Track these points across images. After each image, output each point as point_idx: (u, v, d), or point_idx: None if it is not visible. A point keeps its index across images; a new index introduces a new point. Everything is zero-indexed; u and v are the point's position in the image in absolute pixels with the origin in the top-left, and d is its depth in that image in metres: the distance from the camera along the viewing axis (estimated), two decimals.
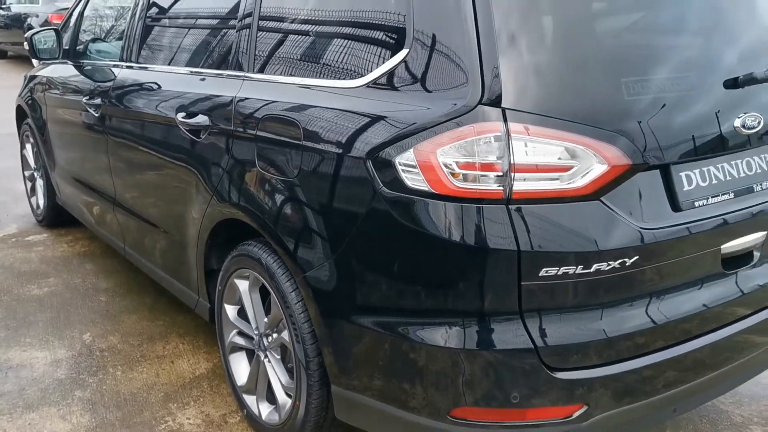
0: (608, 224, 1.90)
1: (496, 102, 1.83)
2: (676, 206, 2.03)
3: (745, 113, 2.12)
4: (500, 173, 1.83)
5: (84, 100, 3.72)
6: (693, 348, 2.10)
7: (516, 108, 1.83)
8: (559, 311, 1.92)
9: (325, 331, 2.19)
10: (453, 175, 1.86)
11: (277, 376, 2.55)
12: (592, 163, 1.87)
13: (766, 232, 2.24)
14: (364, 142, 2.02)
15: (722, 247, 2.12)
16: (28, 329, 3.56)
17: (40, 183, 4.98)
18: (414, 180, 1.90)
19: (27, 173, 5.24)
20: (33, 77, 4.77)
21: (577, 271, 1.87)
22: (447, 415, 1.97)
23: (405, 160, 1.91)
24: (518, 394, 1.91)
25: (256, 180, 2.41)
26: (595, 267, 1.89)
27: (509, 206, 1.84)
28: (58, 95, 4.27)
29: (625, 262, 1.92)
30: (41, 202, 5.00)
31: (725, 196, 2.13)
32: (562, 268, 1.86)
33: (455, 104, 1.87)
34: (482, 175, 1.84)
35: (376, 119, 2.03)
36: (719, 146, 2.12)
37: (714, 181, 2.12)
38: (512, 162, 1.82)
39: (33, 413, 2.86)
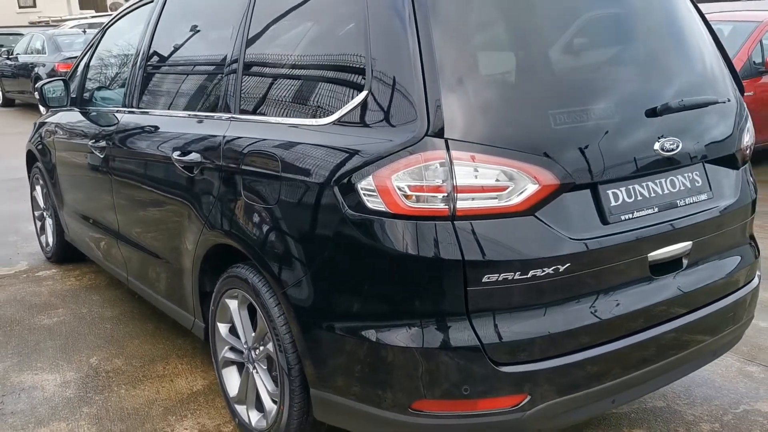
0: (542, 236, 2.21)
1: (440, 133, 2.14)
2: (604, 220, 2.33)
3: (663, 138, 2.44)
4: (445, 194, 2.13)
5: (90, 143, 4.06)
6: (627, 345, 2.38)
7: (458, 138, 2.15)
8: (502, 312, 2.21)
9: (302, 340, 2.48)
10: (406, 197, 2.16)
11: (264, 384, 2.83)
12: (526, 184, 2.18)
13: (691, 242, 2.53)
14: (332, 171, 2.33)
15: (649, 255, 2.42)
16: (39, 355, 3.85)
17: (49, 222, 5.30)
18: (373, 202, 2.21)
19: (37, 213, 5.58)
20: (42, 124, 5.13)
21: (515, 277, 2.17)
22: (408, 408, 2.25)
23: (365, 185, 2.22)
24: (469, 387, 2.19)
25: (242, 209, 2.72)
26: (531, 273, 2.18)
27: (454, 222, 2.15)
28: (66, 140, 4.62)
29: (559, 268, 2.22)
30: (50, 240, 5.32)
31: (650, 211, 2.43)
32: (502, 275, 2.16)
33: (407, 136, 2.18)
34: (430, 196, 2.15)
35: (341, 151, 2.35)
36: (642, 167, 2.42)
37: (639, 198, 2.42)
38: (455, 184, 2.13)
39: (44, 428, 3.14)
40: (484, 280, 2.15)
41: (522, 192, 2.18)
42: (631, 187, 2.41)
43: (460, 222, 2.15)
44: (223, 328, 3.05)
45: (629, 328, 2.39)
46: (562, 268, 2.22)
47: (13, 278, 5.11)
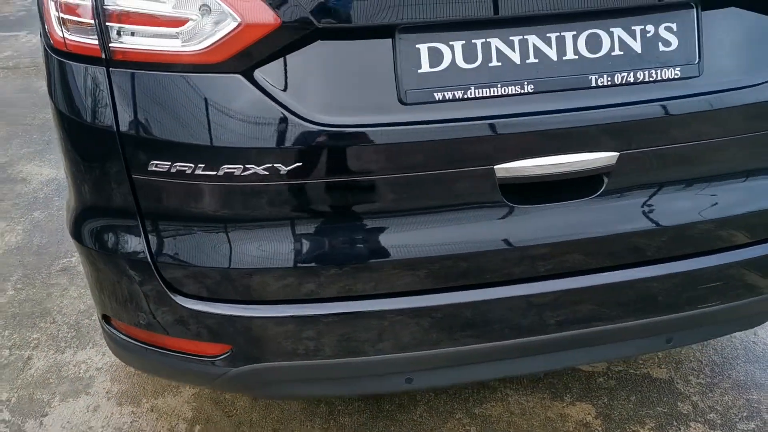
0: (253, 111, 1.31)
1: None
2: (401, 96, 1.32)
3: None
4: (90, 20, 1.32)
5: None
6: (434, 305, 1.45)
7: None
8: (187, 221, 1.41)
9: None
10: (62, 23, 1.39)
11: None
12: (223, 19, 1.27)
13: (617, 153, 1.40)
14: None
15: (497, 167, 1.36)
16: None
17: None
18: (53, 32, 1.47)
19: None
20: None
21: (197, 172, 1.34)
22: (107, 320, 1.64)
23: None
24: (144, 315, 1.50)
25: None
26: (224, 170, 1.33)
27: (110, 69, 1.34)
28: None
29: (279, 169, 1.32)
30: None
31: (514, 88, 1.34)
32: (175, 164, 1.34)
33: None
34: (77, 23, 1.35)
35: None
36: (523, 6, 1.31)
37: (495, 63, 1.33)
38: (103, 5, 1.30)
39: None
40: (151, 168, 1.36)
41: (214, 32, 1.28)
42: (479, 41, 1.33)
43: (118, 70, 1.34)
44: None
45: (445, 280, 1.44)
46: (284, 170, 1.32)
47: None
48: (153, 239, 1.42)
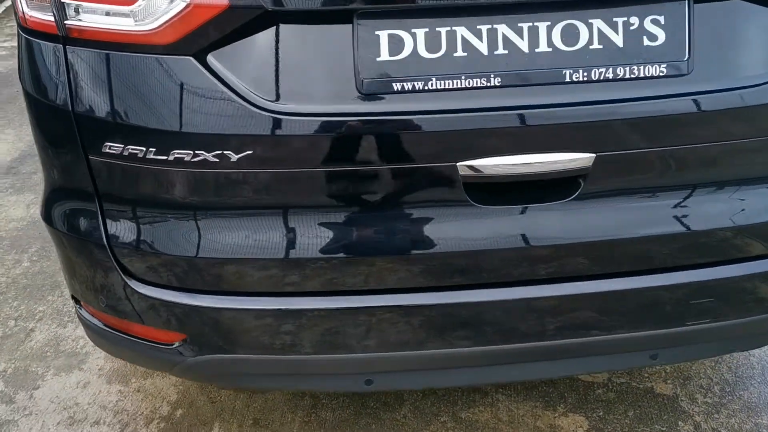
0: (204, 95, 1.27)
1: None
2: (359, 84, 1.26)
3: None
4: None
5: None
6: (397, 305, 1.39)
7: None
8: (142, 206, 1.39)
9: None
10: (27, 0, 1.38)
11: None
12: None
13: (593, 155, 1.30)
14: None
15: (460, 164, 1.29)
16: None
17: None
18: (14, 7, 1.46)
19: None
20: None
21: (148, 156, 1.31)
22: (80, 303, 1.63)
23: None
24: (104, 298, 1.48)
25: None
26: (174, 155, 1.30)
27: (66, 47, 1.32)
28: None
29: (230, 156, 1.28)
30: None
31: (480, 81, 1.25)
32: (128, 147, 1.32)
33: None
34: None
35: None
36: None
37: (461, 53, 1.25)
38: None
39: None
40: (105, 149, 1.34)
41: (165, 12, 1.24)
42: (443, 29, 1.24)
43: (75, 48, 1.31)
44: None
45: (407, 280, 1.37)
46: (235, 157, 1.28)
47: None
48: (110, 223, 1.40)
